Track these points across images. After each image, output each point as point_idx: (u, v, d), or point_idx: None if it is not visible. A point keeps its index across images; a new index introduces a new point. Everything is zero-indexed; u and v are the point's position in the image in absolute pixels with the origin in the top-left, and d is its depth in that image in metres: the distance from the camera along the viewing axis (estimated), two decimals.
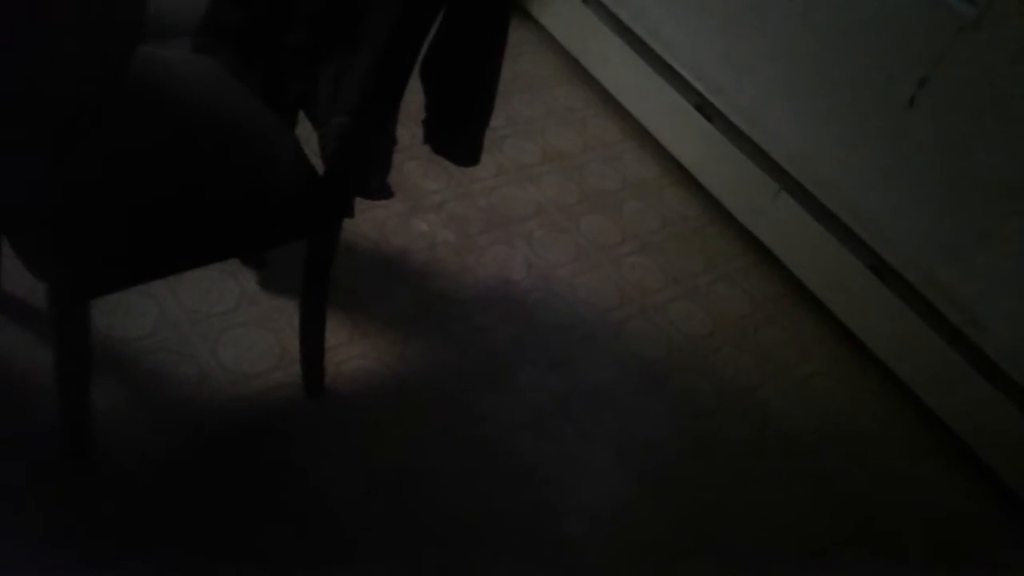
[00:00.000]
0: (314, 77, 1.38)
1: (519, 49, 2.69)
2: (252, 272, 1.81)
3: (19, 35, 0.86)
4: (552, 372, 1.85)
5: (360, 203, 1.44)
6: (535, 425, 1.75)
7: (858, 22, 1.96)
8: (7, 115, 0.88)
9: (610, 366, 1.90)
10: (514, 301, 1.97)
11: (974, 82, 1.80)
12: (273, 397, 1.64)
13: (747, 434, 1.88)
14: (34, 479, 1.42)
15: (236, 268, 1.80)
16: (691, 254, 2.23)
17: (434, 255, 2.00)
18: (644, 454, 1.77)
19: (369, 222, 2.00)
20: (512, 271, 2.03)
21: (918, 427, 2.00)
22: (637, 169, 2.42)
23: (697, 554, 1.65)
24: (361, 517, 1.52)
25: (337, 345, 1.74)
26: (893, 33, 1.90)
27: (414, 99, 1.32)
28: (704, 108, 2.31)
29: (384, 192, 1.45)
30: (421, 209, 2.08)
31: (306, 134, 1.47)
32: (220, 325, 1.71)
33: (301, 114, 1.51)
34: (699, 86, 2.32)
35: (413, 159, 2.16)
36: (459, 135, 1.36)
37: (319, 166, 1.38)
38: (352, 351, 1.75)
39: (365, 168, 1.39)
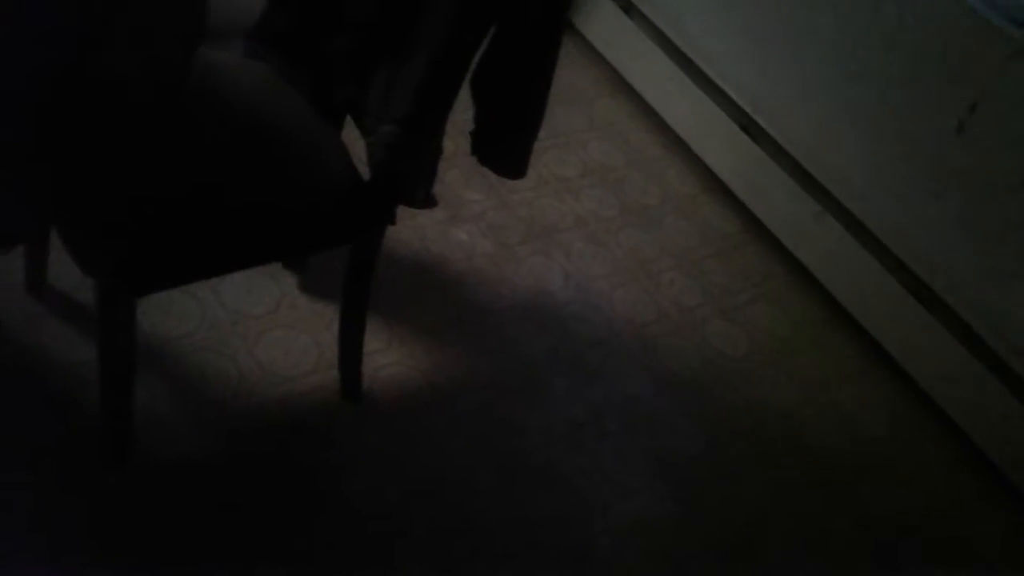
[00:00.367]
0: (363, 84, 1.39)
1: (561, 60, 2.68)
2: (292, 275, 1.82)
3: (84, 39, 0.87)
4: (587, 385, 1.85)
5: (401, 210, 1.45)
6: (569, 438, 1.74)
7: (907, 46, 1.94)
8: (71, 115, 0.89)
9: (645, 381, 1.90)
10: (550, 313, 1.97)
11: None
12: (310, 400, 1.65)
13: (782, 455, 1.86)
14: (72, 476, 1.43)
15: (277, 270, 1.82)
16: (730, 272, 2.22)
17: (472, 264, 2.00)
18: (677, 471, 1.76)
19: (409, 229, 2.01)
20: (549, 283, 2.03)
21: (957, 457, 1.97)
22: (678, 185, 2.41)
23: (729, 573, 1.63)
24: (394, 523, 1.52)
25: (374, 351, 1.75)
26: (943, 58, 1.88)
27: (458, 108, 1.32)
28: (748, 126, 2.30)
29: (429, 201, 1.45)
30: (461, 218, 2.09)
31: (350, 138, 1.48)
32: (259, 326, 1.72)
33: (347, 118, 1.52)
34: (743, 103, 2.31)
35: (454, 168, 2.17)
36: (507, 147, 1.37)
37: (363, 171, 1.39)
38: (389, 357, 1.76)
39: (412, 177, 1.40)
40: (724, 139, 2.35)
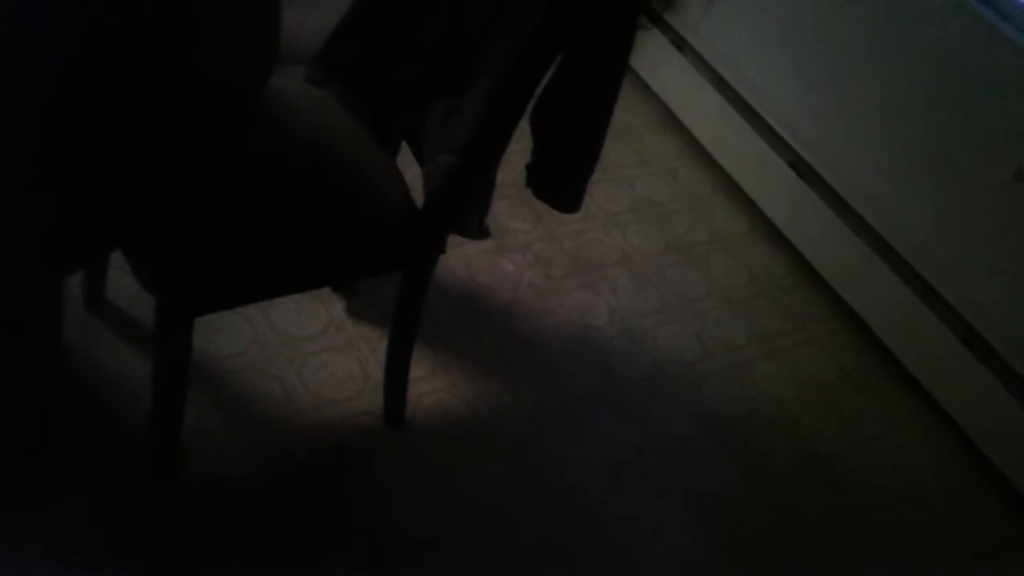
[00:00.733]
0: (422, 113, 1.41)
1: None
2: (341, 299, 1.84)
3: (166, 62, 0.90)
4: (629, 423, 1.83)
5: (449, 239, 1.46)
6: (610, 475, 1.73)
7: (964, 92, 1.93)
8: (142, 137, 0.91)
9: (688, 421, 1.88)
10: (594, 347, 1.96)
11: None
12: (354, 424, 1.65)
13: (826, 504, 1.83)
14: (118, 491, 1.45)
15: (326, 294, 1.83)
16: (777, 313, 2.20)
17: (518, 295, 2.00)
18: (719, 516, 1.73)
19: (456, 258, 2.02)
20: (594, 317, 2.02)
21: (1006, 512, 1.92)
22: (726, 223, 2.40)
23: None
24: (434, 550, 1.52)
25: (419, 378, 1.75)
26: (999, 105, 1.86)
27: None
28: (798, 166, 2.29)
29: (482, 232, 1.46)
30: (508, 249, 2.10)
31: (403, 164, 1.49)
32: (307, 349, 1.74)
33: (402, 144, 1.54)
34: (794, 143, 2.30)
35: (502, 198, 2.17)
36: (563, 182, 1.37)
37: (417, 198, 1.40)
38: (434, 384, 1.76)
39: (466, 206, 1.41)
40: (774, 178, 2.34)
